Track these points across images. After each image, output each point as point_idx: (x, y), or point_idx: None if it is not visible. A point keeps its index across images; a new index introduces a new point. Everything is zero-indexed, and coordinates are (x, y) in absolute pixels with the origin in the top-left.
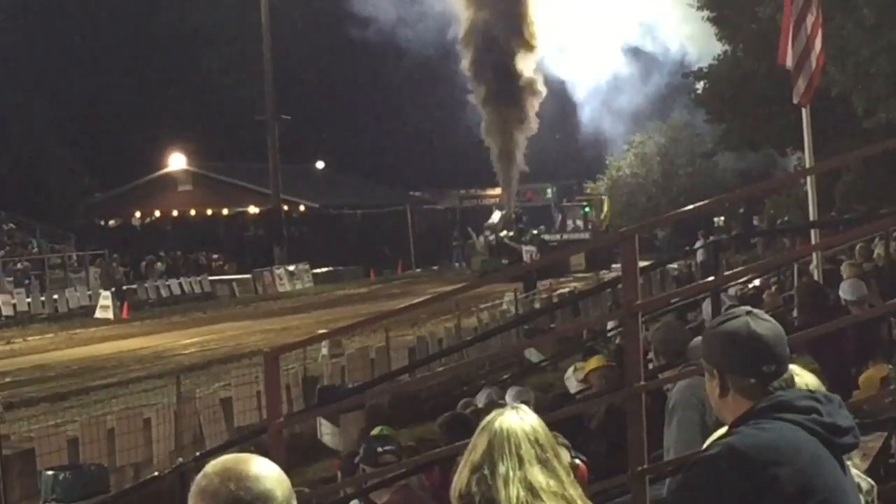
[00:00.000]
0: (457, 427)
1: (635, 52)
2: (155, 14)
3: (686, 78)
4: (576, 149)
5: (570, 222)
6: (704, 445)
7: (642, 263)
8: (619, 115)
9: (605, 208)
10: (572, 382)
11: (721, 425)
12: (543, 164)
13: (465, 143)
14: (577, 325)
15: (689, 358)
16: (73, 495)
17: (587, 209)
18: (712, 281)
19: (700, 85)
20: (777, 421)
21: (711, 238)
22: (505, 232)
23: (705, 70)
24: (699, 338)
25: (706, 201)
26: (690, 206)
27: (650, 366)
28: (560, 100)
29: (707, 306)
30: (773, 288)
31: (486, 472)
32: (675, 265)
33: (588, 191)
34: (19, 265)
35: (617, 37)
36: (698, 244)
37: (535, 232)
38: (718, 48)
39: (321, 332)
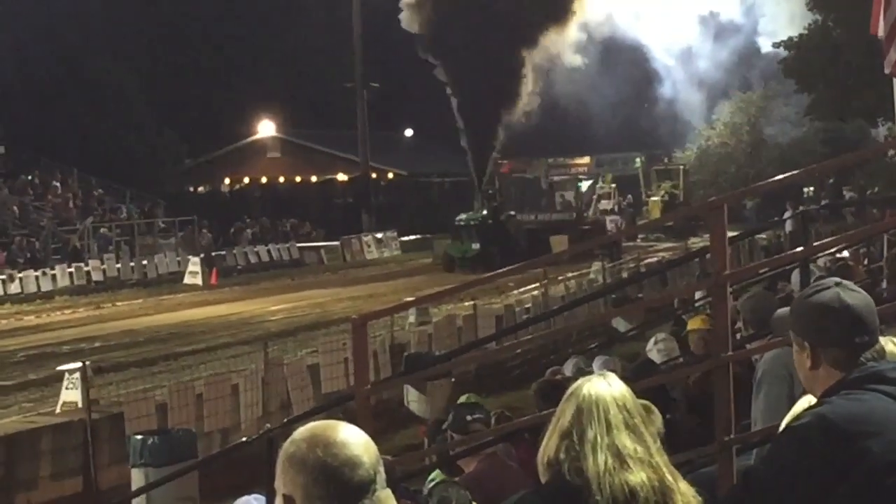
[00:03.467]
0: (551, 393)
1: (712, 19)
2: None
3: (777, 47)
4: (659, 117)
5: (559, 200)
6: (787, 416)
7: (731, 233)
8: (697, 83)
9: (680, 180)
10: (654, 353)
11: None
12: (631, 133)
13: (552, 111)
14: (665, 295)
15: (773, 329)
16: (161, 460)
17: (581, 185)
18: (801, 251)
19: (789, 54)
20: (869, 392)
21: (801, 208)
22: (473, 213)
23: (795, 39)
24: (783, 309)
25: (796, 171)
26: (780, 176)
27: (738, 336)
28: (640, 68)
29: (796, 277)
30: (864, 259)
31: (574, 438)
32: (763, 235)
33: (665, 161)
34: (110, 230)
35: (692, 2)
36: (787, 214)
37: (511, 213)
38: (801, 16)
39: (408, 299)
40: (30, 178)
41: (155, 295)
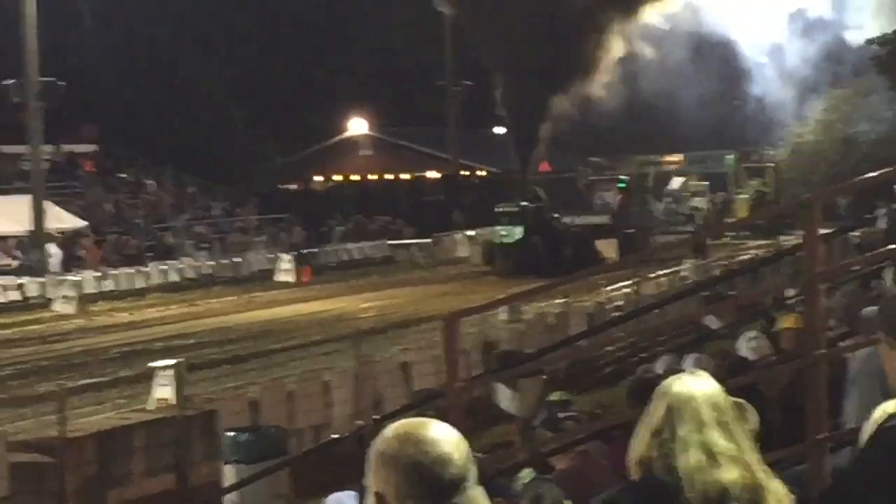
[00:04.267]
0: (642, 391)
1: (800, 15)
2: None
3: (870, 44)
4: (749, 115)
5: (598, 201)
6: (873, 416)
7: (824, 231)
8: (787, 80)
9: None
10: (745, 351)
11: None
12: (722, 131)
13: (643, 108)
14: (757, 293)
15: (860, 327)
16: (253, 456)
17: (622, 185)
18: (893, 249)
19: (882, 50)
20: None
21: (893, 206)
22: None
23: (890, 35)
24: (871, 308)
25: (889, 168)
26: (872, 174)
27: (831, 334)
28: (729, 65)
29: (889, 275)
30: None
31: (666, 436)
32: (856, 233)
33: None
34: (202, 228)
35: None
36: (880, 212)
37: (556, 216)
38: (890, 7)
39: (500, 297)
40: (124, 176)
41: (247, 292)
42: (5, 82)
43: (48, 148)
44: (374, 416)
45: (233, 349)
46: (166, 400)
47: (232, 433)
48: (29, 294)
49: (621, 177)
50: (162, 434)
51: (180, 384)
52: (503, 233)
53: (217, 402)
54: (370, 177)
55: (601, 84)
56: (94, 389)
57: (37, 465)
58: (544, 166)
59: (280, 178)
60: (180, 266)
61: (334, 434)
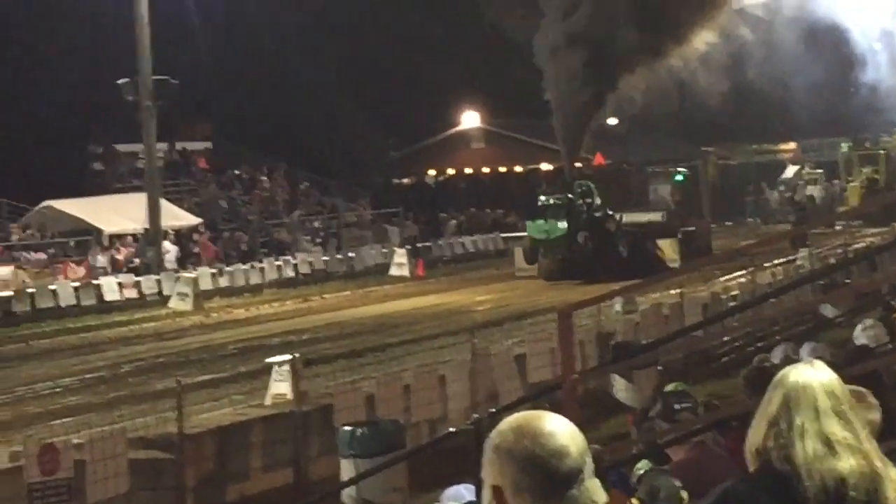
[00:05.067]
0: (759, 381)
1: None
2: None
3: None
4: (864, 101)
5: (653, 196)
6: None
7: None
8: None
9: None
10: (863, 339)
11: None
12: (836, 118)
13: (757, 96)
14: (874, 281)
15: None
16: (369, 451)
17: (680, 178)
18: None
19: None
20: None
21: None
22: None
23: None
24: None
25: None
26: None
27: None
28: (841, 51)
29: None
30: None
31: (782, 426)
32: None
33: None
34: (316, 223)
35: None
36: None
37: (609, 212)
38: None
39: (614, 288)
40: (238, 173)
41: (362, 287)
42: (120, 81)
43: (162, 146)
44: (490, 409)
45: (348, 344)
46: (283, 395)
47: (349, 428)
48: (146, 291)
49: (679, 169)
50: (279, 429)
51: (297, 379)
52: (545, 227)
53: (333, 397)
54: (483, 170)
55: (700, 69)
56: (212, 385)
57: (156, 462)
58: (598, 159)
59: (393, 172)
60: (295, 262)
61: (450, 427)
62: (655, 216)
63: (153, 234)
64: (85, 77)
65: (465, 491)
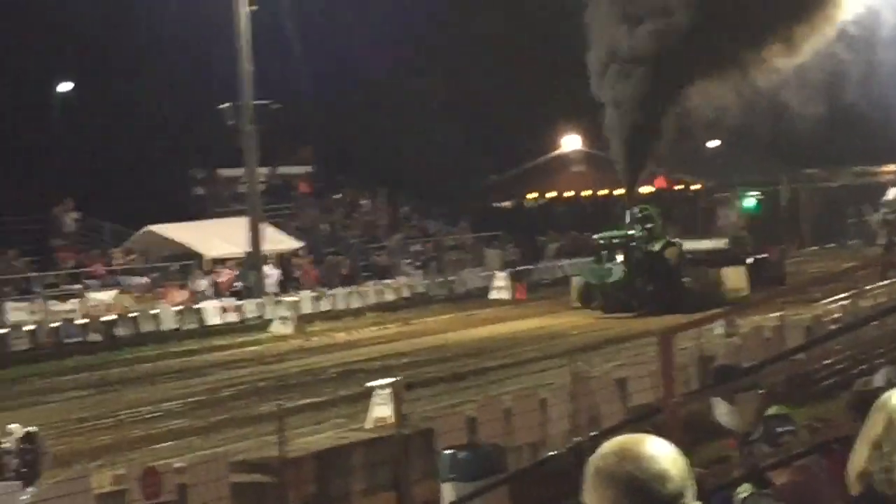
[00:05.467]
0: (862, 405)
1: None
2: None
3: None
4: None
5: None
6: None
7: None
8: None
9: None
10: None
11: None
12: None
13: (857, 117)
14: None
15: None
16: (471, 474)
17: (752, 202)
18: None
19: None
20: None
21: None
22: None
23: None
24: None
25: None
26: None
27: None
28: None
29: None
30: None
31: (886, 449)
32: None
33: None
34: (416, 247)
35: None
36: None
37: (671, 241)
38: None
39: (715, 311)
40: (339, 197)
41: (463, 310)
42: (221, 106)
43: (264, 170)
44: (591, 433)
45: (449, 367)
46: (384, 419)
47: (450, 451)
48: (247, 315)
49: (750, 193)
50: (380, 453)
51: (398, 403)
52: (601, 272)
53: (435, 421)
54: (583, 193)
55: (796, 89)
56: (313, 409)
57: (257, 485)
58: (660, 182)
59: (493, 195)
60: (396, 285)
61: (551, 451)
62: (719, 243)
63: (254, 259)
64: (187, 102)
65: None
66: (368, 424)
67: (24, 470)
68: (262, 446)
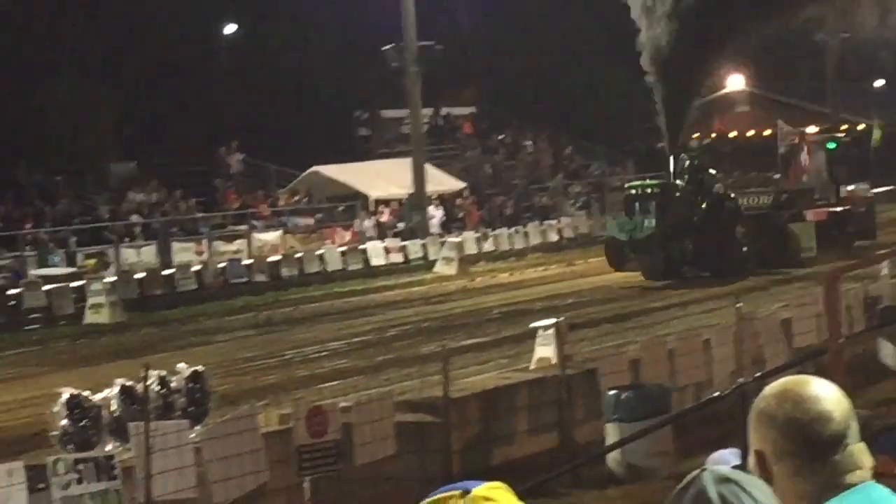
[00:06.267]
0: None
1: None
2: None
3: None
4: None
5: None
6: None
7: None
8: None
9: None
10: None
11: None
12: None
13: None
14: None
15: None
16: (635, 415)
17: (835, 145)
18: None
19: None
20: None
21: None
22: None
23: None
24: None
25: None
26: None
27: None
28: None
29: None
30: None
31: None
32: None
33: None
34: (579, 188)
35: None
36: None
37: (722, 191)
38: None
39: (882, 252)
40: (502, 137)
41: None
42: (385, 48)
43: (427, 111)
44: (755, 374)
45: (613, 308)
46: (548, 359)
47: (614, 392)
48: (411, 256)
49: (838, 134)
50: (544, 393)
51: (561, 343)
52: (629, 226)
53: (598, 361)
54: (747, 133)
55: None
56: (477, 349)
57: (422, 425)
58: (719, 126)
59: (657, 136)
60: (559, 226)
61: (715, 392)
62: (783, 195)
63: (418, 199)
64: (351, 44)
65: (731, 456)
66: (532, 365)
67: (192, 409)
68: (426, 386)
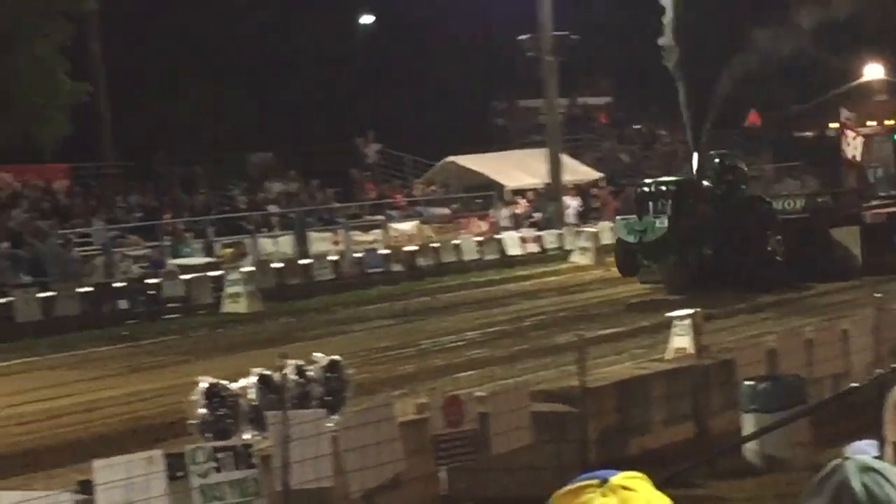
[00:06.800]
0: None
1: None
2: None
3: None
4: None
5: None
6: None
7: None
8: None
9: None
10: None
11: None
12: None
13: None
14: None
15: None
16: (771, 405)
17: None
18: None
19: None
20: None
21: None
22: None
23: None
24: None
25: None
26: None
27: None
28: None
29: None
30: None
31: None
32: None
33: None
34: None
35: None
36: None
37: (751, 192)
38: None
39: None
40: (638, 127)
41: None
42: (520, 38)
43: (563, 101)
44: (893, 365)
45: (748, 297)
46: (684, 349)
47: (750, 382)
48: (547, 246)
49: None
50: (680, 383)
51: (698, 333)
52: (638, 227)
53: (734, 352)
54: (886, 122)
55: None
56: (613, 339)
57: (558, 415)
58: (753, 117)
59: (795, 124)
60: None
61: (853, 382)
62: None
63: (554, 189)
64: (487, 34)
65: (869, 447)
66: (668, 355)
67: (329, 398)
68: (562, 376)
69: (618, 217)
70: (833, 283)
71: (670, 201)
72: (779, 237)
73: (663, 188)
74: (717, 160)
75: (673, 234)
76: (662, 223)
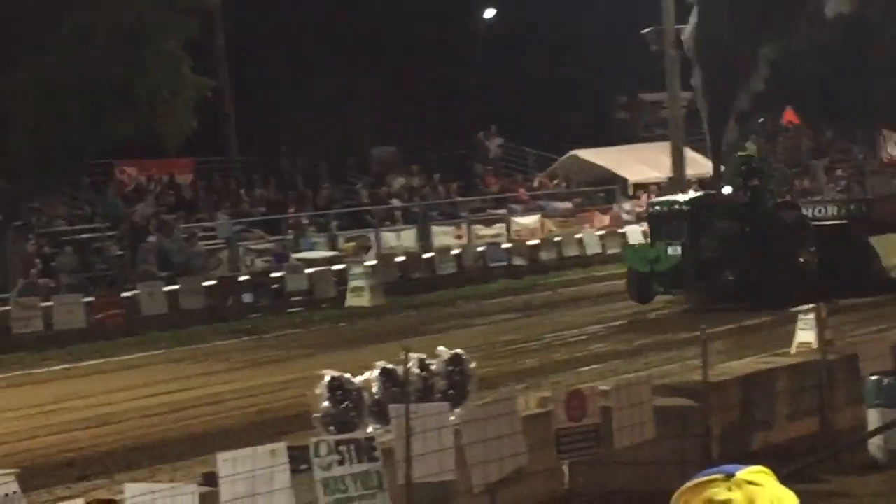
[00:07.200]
0: None
1: None
2: None
3: None
4: None
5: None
6: None
7: None
8: None
9: None
10: None
11: None
12: None
13: None
14: None
15: None
16: None
17: None
18: None
19: None
20: None
21: None
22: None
23: None
24: None
25: None
26: None
27: None
28: None
29: None
30: None
31: None
32: None
33: None
34: (839, 171)
35: None
36: None
37: (781, 198)
38: None
39: None
40: (762, 120)
41: None
42: (643, 31)
43: (686, 94)
44: None
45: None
46: (808, 344)
47: (875, 377)
48: None
49: None
50: (804, 378)
51: (822, 328)
52: (650, 254)
53: (859, 346)
54: None
55: None
56: (736, 334)
57: (681, 409)
58: (790, 115)
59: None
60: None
61: None
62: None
63: (677, 183)
64: (611, 27)
65: None
66: (792, 349)
67: (452, 392)
68: (685, 370)
69: (627, 244)
70: (874, 296)
71: (686, 223)
72: (812, 248)
73: (677, 208)
74: (742, 165)
75: (689, 263)
76: (675, 250)
